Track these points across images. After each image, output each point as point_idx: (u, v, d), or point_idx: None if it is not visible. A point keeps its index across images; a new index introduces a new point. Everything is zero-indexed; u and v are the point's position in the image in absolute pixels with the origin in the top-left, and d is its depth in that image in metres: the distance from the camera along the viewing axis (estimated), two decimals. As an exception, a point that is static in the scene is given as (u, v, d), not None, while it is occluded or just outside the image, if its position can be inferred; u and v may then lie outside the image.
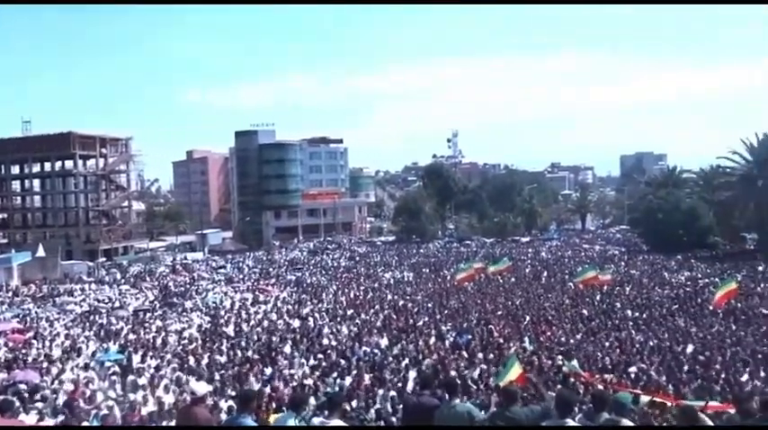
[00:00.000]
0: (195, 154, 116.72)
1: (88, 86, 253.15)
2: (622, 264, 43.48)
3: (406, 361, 16.83)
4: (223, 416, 10.61)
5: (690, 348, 18.18)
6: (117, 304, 33.05)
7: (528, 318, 23.37)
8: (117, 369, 17.08)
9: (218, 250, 67.36)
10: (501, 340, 19.25)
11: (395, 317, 24.85)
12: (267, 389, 14.30)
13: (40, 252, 50.51)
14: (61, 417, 11.56)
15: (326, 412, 6.29)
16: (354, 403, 12.17)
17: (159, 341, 21.53)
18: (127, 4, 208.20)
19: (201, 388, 7.54)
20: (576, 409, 7.01)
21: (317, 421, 6.47)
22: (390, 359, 17.27)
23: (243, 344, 20.59)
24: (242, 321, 25.49)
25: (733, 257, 47.22)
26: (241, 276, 44.78)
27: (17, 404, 11.11)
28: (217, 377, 15.76)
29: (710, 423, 7.48)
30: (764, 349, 17.79)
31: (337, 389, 13.28)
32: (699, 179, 63.60)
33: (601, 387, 12.84)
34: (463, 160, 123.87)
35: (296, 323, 24.42)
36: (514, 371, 11.03)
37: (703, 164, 65.36)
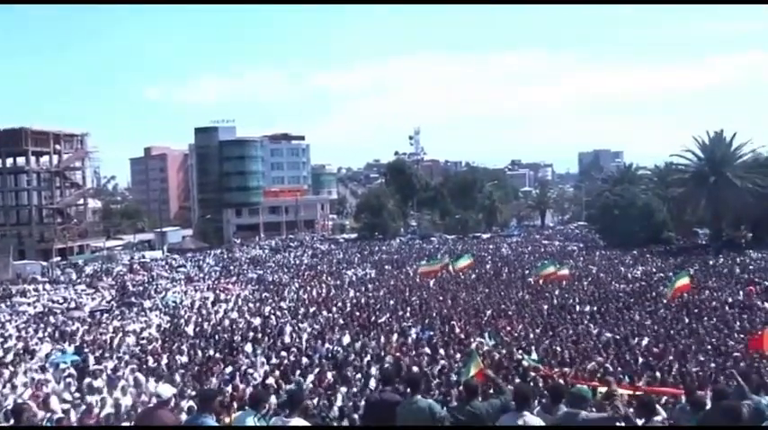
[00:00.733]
0: (154, 151, 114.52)
1: (42, 81, 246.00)
2: (580, 259, 44.39)
3: (369, 357, 16.87)
4: (183, 417, 10.45)
5: (645, 341, 18.70)
6: (72, 304, 32.22)
7: (489, 313, 23.66)
8: (72, 371, 16.66)
9: (177, 248, 66.24)
10: (462, 336, 19.46)
11: (357, 314, 24.86)
12: (228, 389, 14.16)
13: (-9, 251, 48.90)
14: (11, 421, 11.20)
15: (287, 410, 6.27)
16: (317, 401, 12.15)
17: (117, 342, 21.09)
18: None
19: (167, 390, 7.42)
20: (535, 402, 7.15)
21: (277, 420, 6.43)
22: (353, 356, 17.28)
23: (203, 343, 20.33)
24: (202, 320, 25.16)
25: (686, 252, 48.66)
26: (201, 275, 44.17)
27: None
28: (177, 377, 15.52)
29: (663, 413, 7.74)
30: (715, 341, 18.42)
31: (298, 386, 13.21)
32: (653, 176, 65.34)
33: (561, 380, 13.11)
34: (425, 157, 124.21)
35: (257, 321, 24.22)
36: (475, 366, 11.16)
37: (658, 161, 67.31)
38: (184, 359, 18.17)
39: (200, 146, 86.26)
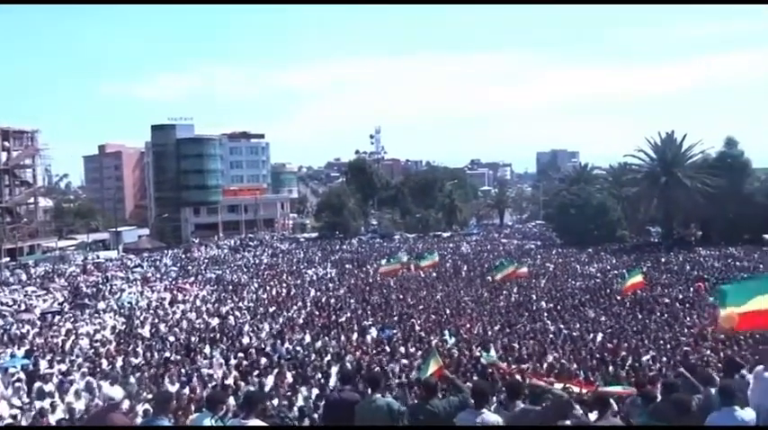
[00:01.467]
0: (108, 148, 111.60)
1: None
2: (538, 257, 45.14)
3: (329, 357, 16.83)
4: (139, 420, 10.25)
5: (599, 337, 19.16)
6: (22, 307, 31.17)
7: (448, 311, 23.87)
8: (22, 375, 16.14)
9: (133, 248, 64.74)
10: (422, 334, 19.59)
11: (317, 313, 24.78)
12: (186, 391, 13.93)
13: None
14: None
15: (245, 412, 6.20)
16: (276, 401, 12.06)
17: (69, 344, 20.51)
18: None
19: (117, 393, 7.27)
20: (493, 399, 7.26)
21: (235, 421, 6.36)
22: (313, 356, 17.22)
23: (159, 345, 19.95)
24: (159, 321, 24.68)
25: (639, 249, 50.00)
26: (158, 275, 43.29)
27: None
28: (132, 380, 15.19)
29: (615, 406, 7.94)
30: (666, 335, 19.00)
31: (257, 387, 13.10)
32: (608, 176, 66.93)
33: (518, 377, 13.32)
34: (386, 156, 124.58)
35: (216, 322, 23.90)
36: (434, 364, 11.24)
37: (612, 161, 68.95)
38: (140, 361, 17.80)
39: (157, 143, 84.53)
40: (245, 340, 20.09)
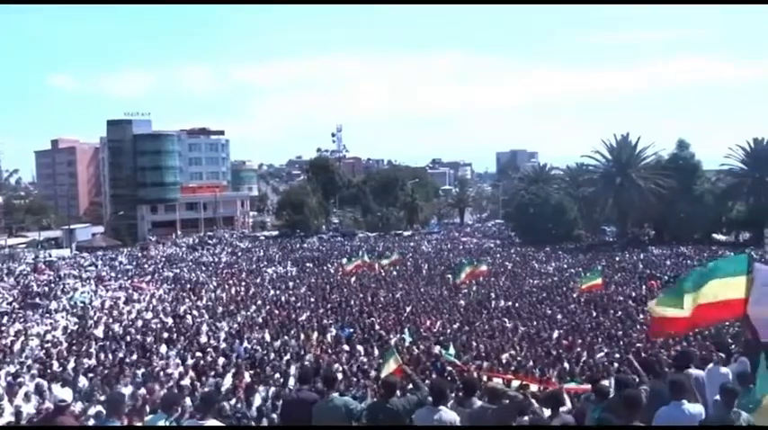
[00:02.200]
0: (61, 143, 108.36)
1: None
2: (497, 256, 45.71)
3: (288, 356, 16.71)
4: (91, 423, 9.99)
5: (555, 334, 19.53)
6: (-32, 307, 30.02)
7: (408, 309, 23.97)
8: (-33, 378, 15.54)
9: (87, 246, 63.03)
10: (382, 332, 19.63)
11: (277, 312, 24.58)
12: (141, 391, 13.64)
13: None
14: None
15: (201, 412, 6.11)
16: (234, 401, 11.91)
17: (18, 346, 19.84)
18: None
19: (66, 395, 7.07)
20: (452, 396, 7.31)
21: (191, 422, 6.27)
22: (272, 355, 17.07)
23: (113, 345, 19.47)
24: (113, 321, 24.10)
25: (594, 248, 51.15)
26: (113, 274, 42.25)
27: None
28: (85, 381, 14.79)
29: (569, 403, 8.10)
30: (619, 333, 19.48)
31: (214, 387, 12.91)
32: (566, 176, 68.20)
33: (475, 374, 13.46)
34: (347, 155, 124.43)
35: (172, 321, 23.46)
36: (393, 363, 11.28)
37: (570, 162, 70.29)
38: (93, 362, 17.34)
39: (113, 139, 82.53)
40: (203, 339, 19.78)
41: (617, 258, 42.91)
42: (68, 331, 22.68)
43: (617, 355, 16.13)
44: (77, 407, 11.01)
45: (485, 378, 12.27)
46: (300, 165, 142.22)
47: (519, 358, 15.52)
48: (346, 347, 17.62)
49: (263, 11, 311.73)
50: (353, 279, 32.55)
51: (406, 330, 19.79)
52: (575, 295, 26.72)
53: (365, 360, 15.81)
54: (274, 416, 10.65)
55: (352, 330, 20.17)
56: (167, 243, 65.85)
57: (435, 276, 34.66)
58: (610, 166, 58.10)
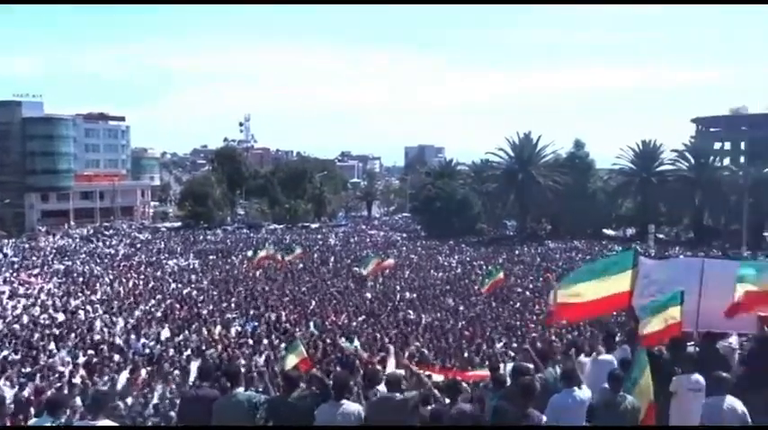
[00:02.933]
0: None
1: None
2: (404, 248, 46.41)
3: (189, 351, 16.22)
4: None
5: (458, 325, 20.11)
6: None
7: (314, 302, 23.89)
8: None
9: (-34, 237, 58.22)
10: (287, 325, 19.46)
11: (178, 306, 23.76)
12: (26, 392, 12.80)
13: None
14: None
15: (92, 413, 5.80)
16: (130, 400, 11.44)
17: None
18: None
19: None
20: (355, 388, 7.34)
21: (82, 423, 5.94)
22: (171, 351, 16.50)
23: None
24: (-5, 318, 22.41)
25: (496, 242, 53.06)
26: (-4, 266, 39.26)
27: None
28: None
29: (468, 391, 8.37)
30: (517, 323, 20.34)
31: (109, 386, 12.33)
32: (471, 172, 70.18)
33: (380, 366, 13.60)
34: (255, 145, 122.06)
35: (63, 317, 22.13)
36: (298, 356, 11.20)
37: (475, 158, 72.38)
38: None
39: (0, 122, 76.54)
40: (97, 336, 18.81)
41: (516, 252, 44.73)
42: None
43: (514, 345, 16.83)
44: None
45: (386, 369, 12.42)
46: (206, 154, 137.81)
47: (422, 349, 15.83)
48: (251, 342, 17.33)
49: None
50: (259, 272, 32.02)
51: (311, 323, 19.73)
52: (476, 287, 27.60)
53: (270, 353, 15.61)
54: (173, 413, 10.31)
55: (256, 324, 19.86)
56: (59, 234, 61.99)
57: (342, 269, 34.71)
58: (512, 163, 60.38)
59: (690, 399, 7.18)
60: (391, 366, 9.83)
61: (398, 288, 27.84)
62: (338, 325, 19.89)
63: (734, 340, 8.77)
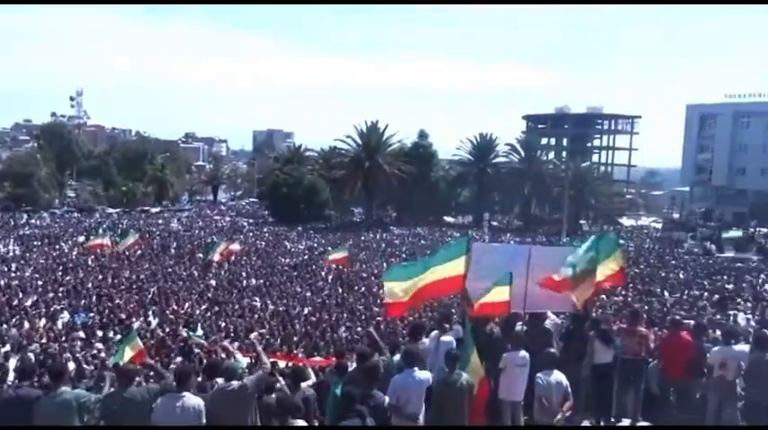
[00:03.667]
0: None
1: None
2: (251, 235, 45.53)
3: (7, 348, 14.68)
4: None
5: (305, 311, 20.17)
6: None
7: (153, 290, 22.70)
8: None
9: None
10: (123, 316, 18.30)
11: (-6, 298, 21.34)
12: None
13: None
14: None
15: None
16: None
17: None
18: None
19: None
20: (198, 379, 7.11)
21: None
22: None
23: None
24: None
25: (343, 228, 53.89)
26: None
27: None
28: None
29: (313, 377, 8.46)
30: (362, 307, 20.86)
31: None
32: (319, 158, 70.45)
33: (223, 355, 13.29)
34: (88, 122, 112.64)
35: None
36: (134, 348, 10.59)
37: (324, 145, 72.70)
38: None
39: None
40: None
41: (363, 238, 45.75)
42: None
43: (359, 329, 17.25)
44: None
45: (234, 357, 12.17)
46: (30, 130, 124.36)
47: (267, 337, 15.69)
48: (82, 334, 16.07)
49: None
50: (91, 259, 29.73)
51: (150, 313, 18.74)
52: (323, 273, 27.86)
53: (102, 346, 14.60)
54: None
55: (89, 315, 18.45)
56: None
57: (185, 255, 33.26)
58: (360, 151, 61.48)
59: (517, 374, 7.87)
60: (240, 357, 9.68)
61: (244, 275, 27.29)
62: (180, 314, 19.07)
63: (552, 318, 9.71)
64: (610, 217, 65.03)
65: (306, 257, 34.24)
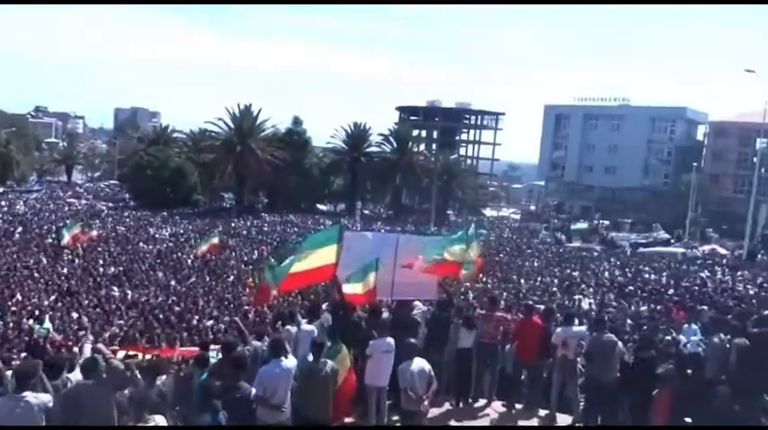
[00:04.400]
0: None
1: None
2: (110, 219, 42.72)
3: None
4: None
5: (168, 300, 19.30)
6: None
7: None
8: None
9: None
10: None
11: None
12: None
13: None
14: None
15: None
16: None
17: None
18: None
19: None
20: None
21: None
22: None
23: None
24: None
25: (212, 214, 52.14)
26: None
27: None
28: None
29: (172, 369, 8.14)
30: (230, 296, 20.36)
31: None
32: (188, 140, 67.51)
33: (76, 349, 12.46)
34: None
35: None
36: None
37: (193, 126, 69.75)
38: None
39: None
40: None
41: (233, 224, 44.55)
42: None
43: (226, 319, 16.81)
44: None
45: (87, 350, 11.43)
46: None
47: (125, 328, 14.86)
48: None
49: None
50: None
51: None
52: (189, 261, 26.82)
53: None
54: None
55: None
56: None
57: (32, 241, 30.51)
58: (232, 135, 59.64)
59: (383, 360, 8.08)
60: (88, 350, 9.09)
61: (101, 262, 25.57)
62: (25, 305, 17.51)
63: (420, 307, 10.05)
64: (474, 208, 68.29)
65: (171, 244, 32.72)
